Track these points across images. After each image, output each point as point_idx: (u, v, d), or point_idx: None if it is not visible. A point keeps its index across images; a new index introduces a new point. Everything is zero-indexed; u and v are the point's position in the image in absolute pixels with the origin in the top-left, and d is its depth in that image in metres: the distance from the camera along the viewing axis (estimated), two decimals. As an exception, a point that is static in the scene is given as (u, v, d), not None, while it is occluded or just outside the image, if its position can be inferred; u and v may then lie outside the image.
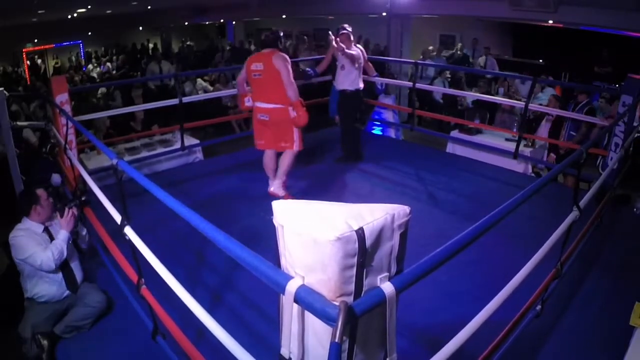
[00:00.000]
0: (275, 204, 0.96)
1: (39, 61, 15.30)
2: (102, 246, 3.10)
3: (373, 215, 0.91)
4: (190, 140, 5.43)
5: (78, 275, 2.81)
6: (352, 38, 4.88)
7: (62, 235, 2.69)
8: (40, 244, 2.65)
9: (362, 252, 0.88)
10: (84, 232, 3.01)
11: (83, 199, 2.95)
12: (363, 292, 0.92)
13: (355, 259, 0.88)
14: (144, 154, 5.12)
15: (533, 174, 5.34)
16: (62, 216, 2.73)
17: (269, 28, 16.23)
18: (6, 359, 2.81)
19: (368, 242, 0.88)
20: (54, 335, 2.59)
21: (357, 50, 4.84)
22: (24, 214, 2.75)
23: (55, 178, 2.75)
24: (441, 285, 2.87)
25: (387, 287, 0.93)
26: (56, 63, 15.47)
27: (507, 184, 4.67)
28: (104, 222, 2.94)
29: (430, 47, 10.13)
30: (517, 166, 5.20)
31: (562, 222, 2.39)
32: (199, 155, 5.58)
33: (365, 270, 0.91)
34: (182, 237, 3.46)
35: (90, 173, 3.44)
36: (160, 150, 5.23)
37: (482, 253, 3.09)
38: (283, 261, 0.98)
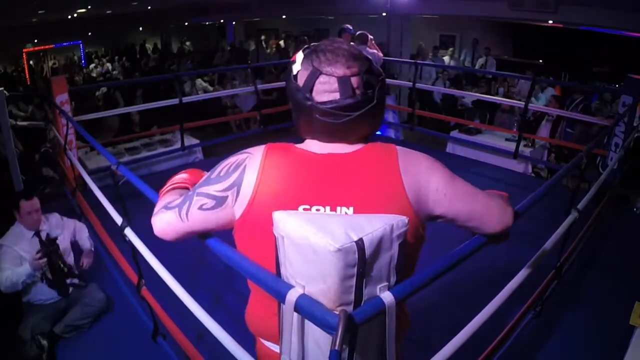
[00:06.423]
0: (276, 214, 0.97)
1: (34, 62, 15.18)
2: (103, 247, 3.11)
3: (372, 226, 0.92)
4: (190, 140, 5.43)
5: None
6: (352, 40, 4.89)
7: (23, 268, 2.51)
8: (15, 259, 2.57)
9: (362, 262, 0.90)
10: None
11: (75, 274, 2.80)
12: (363, 301, 0.93)
13: (355, 269, 0.90)
14: (144, 154, 5.12)
15: (533, 174, 5.34)
16: (35, 258, 2.51)
17: (269, 28, 16.27)
18: (6, 360, 2.81)
19: (367, 253, 0.90)
20: (53, 335, 2.59)
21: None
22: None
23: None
24: (441, 285, 2.86)
25: (387, 297, 0.95)
26: (54, 64, 15.42)
27: (507, 184, 4.66)
28: (104, 222, 2.94)
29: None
30: (517, 166, 5.19)
31: (561, 222, 2.39)
32: (199, 155, 5.58)
33: (364, 280, 0.92)
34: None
35: (90, 173, 3.44)
36: (160, 150, 5.23)
37: (482, 253, 3.09)
38: (283, 270, 0.99)
